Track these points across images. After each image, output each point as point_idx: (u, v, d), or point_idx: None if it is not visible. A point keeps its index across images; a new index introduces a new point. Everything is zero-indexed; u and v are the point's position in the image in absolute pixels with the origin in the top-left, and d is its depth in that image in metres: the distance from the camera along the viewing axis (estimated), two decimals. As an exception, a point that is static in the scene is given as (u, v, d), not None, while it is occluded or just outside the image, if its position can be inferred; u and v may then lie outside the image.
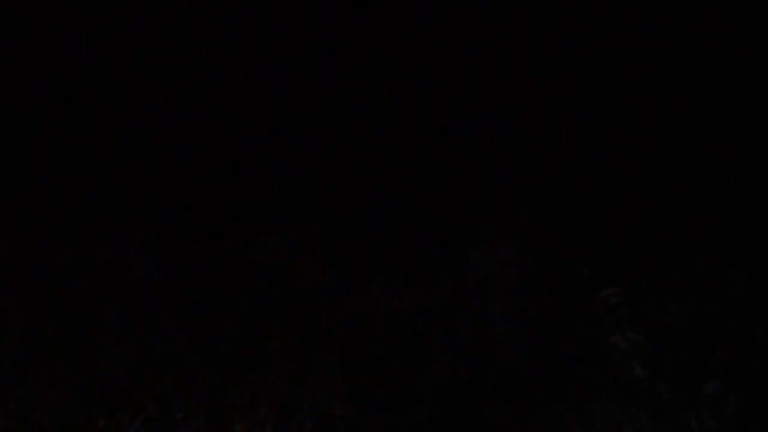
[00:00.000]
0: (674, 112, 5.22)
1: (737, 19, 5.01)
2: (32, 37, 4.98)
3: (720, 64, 5.05)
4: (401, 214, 5.22)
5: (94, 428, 4.07)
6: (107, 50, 5.06)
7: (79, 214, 4.94)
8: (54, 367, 4.22)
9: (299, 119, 5.27)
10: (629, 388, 4.58)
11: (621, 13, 4.98)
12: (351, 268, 5.12)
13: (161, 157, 5.10)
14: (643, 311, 4.88)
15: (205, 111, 5.17)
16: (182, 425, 4.24)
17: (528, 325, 5.13)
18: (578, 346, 4.95)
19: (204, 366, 4.48)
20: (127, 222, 4.95)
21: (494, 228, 5.39)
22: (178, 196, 5.07)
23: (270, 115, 5.26)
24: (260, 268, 4.95)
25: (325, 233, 5.14)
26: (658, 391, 4.46)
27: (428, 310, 4.91)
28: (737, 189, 5.01)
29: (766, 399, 4.15)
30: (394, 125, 5.29)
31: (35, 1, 4.96)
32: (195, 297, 4.77)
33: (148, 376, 4.31)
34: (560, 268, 5.24)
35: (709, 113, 5.13)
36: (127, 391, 4.26)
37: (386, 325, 4.83)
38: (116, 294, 4.69)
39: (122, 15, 5.07)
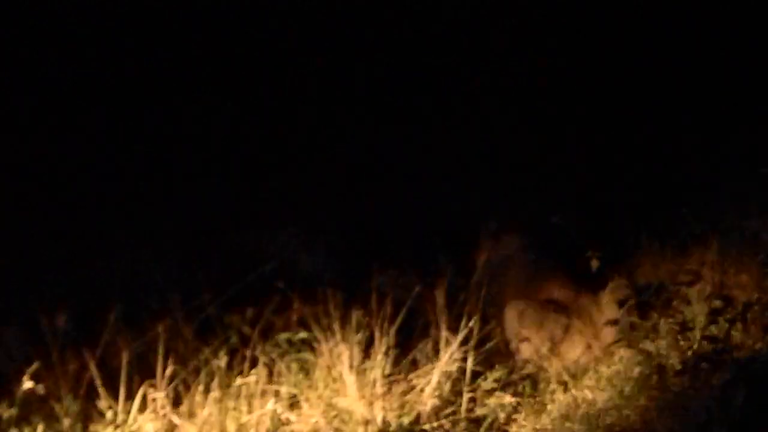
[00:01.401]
0: (684, 103, 5.21)
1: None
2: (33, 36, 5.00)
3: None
4: (409, 206, 5.22)
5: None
6: (110, 46, 5.08)
7: (81, 208, 4.95)
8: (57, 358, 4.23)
9: (306, 110, 5.28)
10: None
11: None
12: (358, 260, 5.12)
13: (167, 152, 5.12)
14: (651, 302, 4.88)
15: (211, 105, 5.19)
16: (188, 418, 4.23)
17: (536, 316, 5.14)
18: (585, 336, 4.94)
19: (209, 359, 4.48)
20: (132, 216, 4.96)
21: (502, 220, 5.39)
22: (183, 189, 5.08)
23: (276, 108, 5.27)
24: (265, 261, 4.95)
25: (332, 226, 5.14)
26: (666, 382, 4.43)
27: (435, 301, 4.90)
28: (746, 180, 4.99)
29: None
30: (402, 119, 5.30)
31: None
32: (199, 290, 4.77)
33: (154, 366, 4.31)
34: (568, 260, 5.23)
35: (721, 105, 5.11)
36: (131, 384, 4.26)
37: (393, 317, 4.83)
38: (119, 287, 4.70)
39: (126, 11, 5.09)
